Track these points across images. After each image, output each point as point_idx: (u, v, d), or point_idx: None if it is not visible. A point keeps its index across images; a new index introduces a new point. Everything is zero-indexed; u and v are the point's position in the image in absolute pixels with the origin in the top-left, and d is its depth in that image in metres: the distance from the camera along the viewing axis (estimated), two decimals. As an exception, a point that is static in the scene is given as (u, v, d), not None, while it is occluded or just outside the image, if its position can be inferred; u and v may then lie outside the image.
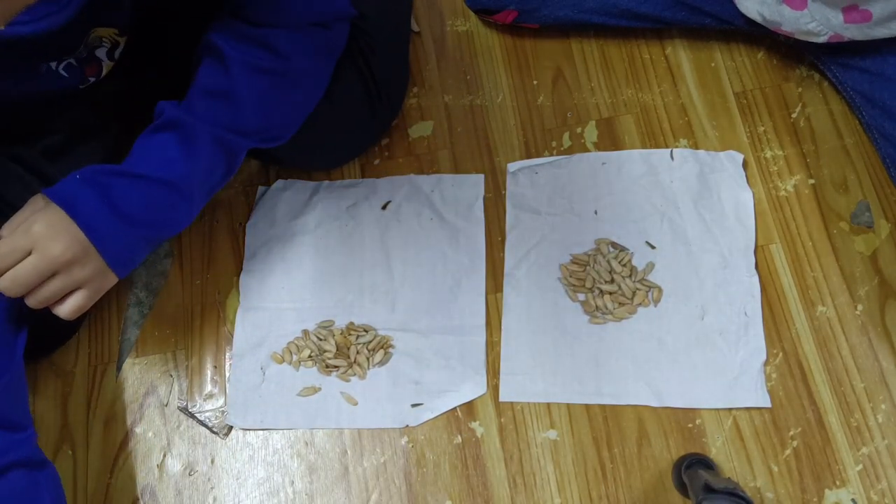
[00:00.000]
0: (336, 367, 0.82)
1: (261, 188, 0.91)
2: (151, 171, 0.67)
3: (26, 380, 0.70)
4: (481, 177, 0.89)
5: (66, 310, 0.67)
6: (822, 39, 0.79)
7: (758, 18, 0.81)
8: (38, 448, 0.68)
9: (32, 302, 0.65)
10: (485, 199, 0.88)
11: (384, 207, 0.88)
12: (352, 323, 0.84)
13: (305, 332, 0.84)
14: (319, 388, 0.81)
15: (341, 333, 0.83)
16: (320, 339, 0.83)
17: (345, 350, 0.82)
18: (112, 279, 0.69)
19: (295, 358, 0.83)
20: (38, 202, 0.66)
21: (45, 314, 0.67)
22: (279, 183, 0.90)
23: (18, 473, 0.64)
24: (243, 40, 0.70)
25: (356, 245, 0.87)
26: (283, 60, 0.71)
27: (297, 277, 0.86)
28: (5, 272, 0.64)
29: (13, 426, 0.66)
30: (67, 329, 0.84)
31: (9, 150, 0.77)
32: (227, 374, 0.83)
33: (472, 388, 0.80)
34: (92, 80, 0.72)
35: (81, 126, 0.79)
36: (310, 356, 0.82)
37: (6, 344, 0.68)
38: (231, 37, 0.69)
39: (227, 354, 0.84)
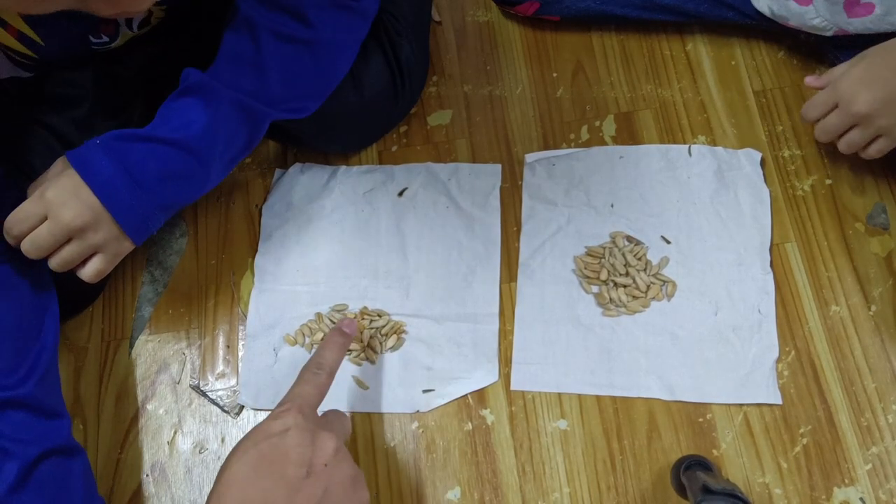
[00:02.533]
0: (348, 350, 0.82)
1: (278, 171, 0.91)
2: (169, 135, 0.67)
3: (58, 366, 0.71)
4: (498, 166, 0.89)
5: (86, 273, 0.69)
6: (828, 34, 0.79)
7: (767, 12, 0.82)
8: (72, 436, 0.69)
9: (53, 264, 0.67)
10: (501, 188, 0.88)
11: (401, 194, 0.89)
12: (365, 307, 0.84)
13: (319, 315, 0.84)
14: (331, 371, 0.82)
15: (354, 317, 0.83)
16: (334, 323, 0.83)
17: (358, 334, 0.82)
18: (128, 245, 0.69)
19: (308, 340, 0.83)
20: (58, 166, 0.67)
21: (66, 280, 0.69)
22: (297, 166, 0.91)
23: (54, 461, 0.65)
24: (272, 8, 0.70)
25: (372, 230, 0.87)
26: (311, 30, 0.71)
27: (312, 260, 0.87)
28: (25, 236, 0.66)
29: (49, 413, 0.67)
30: (83, 299, 0.85)
31: (37, 115, 0.77)
32: (240, 354, 0.84)
33: (484, 375, 0.80)
34: (105, 39, 0.72)
35: (107, 100, 0.80)
36: (322, 339, 0.83)
37: (38, 330, 0.69)
38: (260, 4, 0.70)
39: (240, 334, 0.85)
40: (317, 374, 0.65)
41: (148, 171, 0.67)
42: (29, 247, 0.65)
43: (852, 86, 0.73)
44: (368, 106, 0.84)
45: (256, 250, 0.88)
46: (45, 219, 0.65)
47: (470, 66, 0.95)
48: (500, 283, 0.84)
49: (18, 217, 0.65)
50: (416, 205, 0.88)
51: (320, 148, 0.90)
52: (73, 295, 0.71)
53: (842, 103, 0.74)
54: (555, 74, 0.93)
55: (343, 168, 0.90)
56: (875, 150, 0.75)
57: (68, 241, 0.67)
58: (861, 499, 0.73)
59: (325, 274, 0.86)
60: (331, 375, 0.66)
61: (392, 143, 0.92)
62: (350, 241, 0.87)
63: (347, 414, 0.67)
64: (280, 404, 0.61)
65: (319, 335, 0.83)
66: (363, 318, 0.83)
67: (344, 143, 0.90)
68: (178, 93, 0.69)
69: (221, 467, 0.57)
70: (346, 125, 0.85)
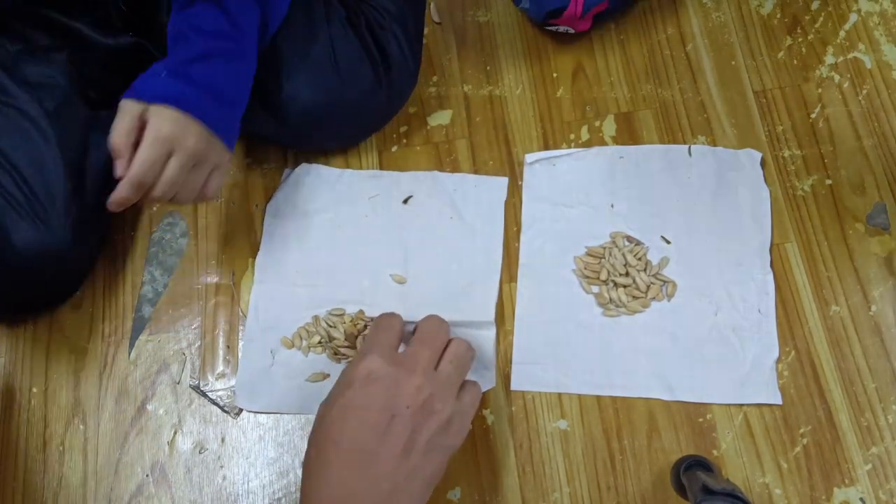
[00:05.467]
0: (345, 355, 0.82)
1: (286, 171, 0.91)
2: (214, 48, 0.72)
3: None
4: (505, 180, 0.88)
5: (212, 189, 0.75)
6: None
7: None
8: None
9: (185, 196, 0.72)
10: (501, 189, 0.88)
11: (405, 202, 0.88)
12: (362, 312, 0.83)
13: (316, 317, 0.84)
14: (328, 375, 0.82)
15: (351, 321, 0.83)
16: (330, 326, 0.83)
17: (353, 339, 0.82)
18: (229, 156, 0.76)
19: (304, 343, 0.83)
20: (133, 106, 0.69)
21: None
22: (304, 167, 0.91)
23: None
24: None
25: (373, 236, 0.87)
26: None
27: (312, 262, 0.87)
28: (157, 180, 0.69)
29: None
30: (72, 283, 0.86)
31: (9, 100, 0.78)
32: (240, 355, 0.84)
33: (481, 382, 0.79)
34: None
35: (80, 86, 0.82)
36: (319, 342, 0.82)
37: None
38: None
39: (240, 335, 0.85)
40: (390, 319, 0.67)
41: (218, 84, 0.72)
42: (162, 191, 0.69)
43: None
44: (349, 95, 0.84)
45: (256, 250, 0.88)
46: (169, 156, 0.69)
47: (470, 66, 0.95)
48: (500, 284, 0.84)
49: (146, 166, 0.68)
50: (420, 213, 0.87)
51: (311, 144, 0.90)
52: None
53: None
54: (555, 74, 0.93)
55: (349, 171, 0.90)
56: None
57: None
58: (861, 499, 0.73)
59: (325, 276, 0.86)
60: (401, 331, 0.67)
61: (392, 143, 0.92)
62: (351, 245, 0.87)
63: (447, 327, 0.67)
64: (360, 352, 0.64)
65: (316, 338, 0.82)
66: (359, 323, 0.83)
67: (333, 137, 0.89)
68: (187, 2, 0.73)
69: (318, 415, 0.61)
70: (333, 116, 0.84)
